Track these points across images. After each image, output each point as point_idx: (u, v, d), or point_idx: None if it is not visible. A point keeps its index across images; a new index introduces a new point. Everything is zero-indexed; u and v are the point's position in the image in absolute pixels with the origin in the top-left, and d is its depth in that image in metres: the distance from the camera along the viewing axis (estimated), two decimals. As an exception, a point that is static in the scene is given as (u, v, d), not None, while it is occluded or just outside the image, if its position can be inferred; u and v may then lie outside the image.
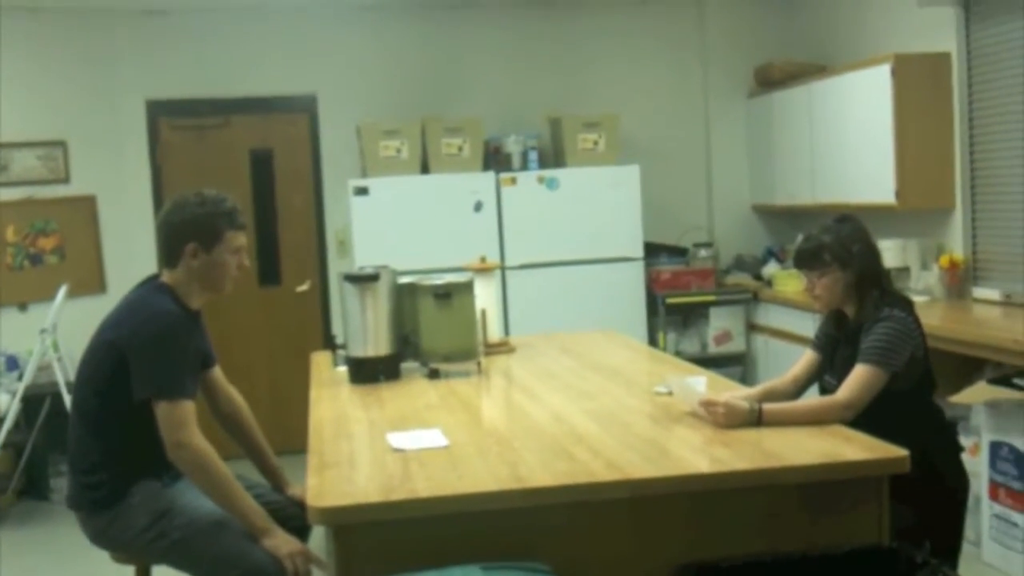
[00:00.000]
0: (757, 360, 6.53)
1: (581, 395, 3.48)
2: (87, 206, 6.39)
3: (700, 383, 3.11)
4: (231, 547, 2.84)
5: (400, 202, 6.10)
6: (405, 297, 3.92)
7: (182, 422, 2.82)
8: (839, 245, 3.12)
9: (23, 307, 6.16)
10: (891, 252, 5.27)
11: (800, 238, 3.29)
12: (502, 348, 4.41)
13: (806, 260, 3.18)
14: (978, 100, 5.24)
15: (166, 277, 3.05)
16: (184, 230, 3.01)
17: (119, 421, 2.92)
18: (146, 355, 2.86)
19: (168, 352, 2.87)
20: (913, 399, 3.07)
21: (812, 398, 3.15)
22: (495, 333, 4.42)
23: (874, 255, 3.17)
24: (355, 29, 6.67)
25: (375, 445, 2.92)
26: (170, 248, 3.03)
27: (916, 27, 5.49)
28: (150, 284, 3.06)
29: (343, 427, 3.19)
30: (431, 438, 2.92)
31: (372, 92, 6.66)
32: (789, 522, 2.55)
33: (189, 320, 3.02)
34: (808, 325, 5.43)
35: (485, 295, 4.24)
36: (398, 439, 2.91)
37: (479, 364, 3.97)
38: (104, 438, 2.94)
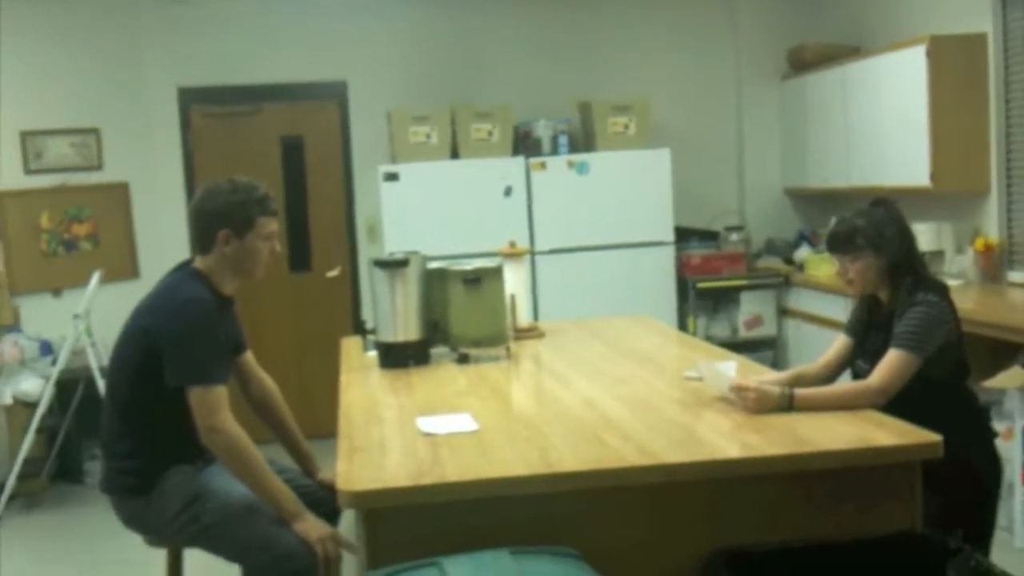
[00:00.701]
0: (788, 345, 6.48)
1: (611, 380, 3.47)
2: (120, 193, 6.44)
3: (730, 368, 3.09)
4: (262, 531, 2.86)
5: (430, 188, 6.10)
6: (435, 282, 3.92)
7: (215, 407, 2.84)
8: (873, 229, 3.08)
9: (57, 293, 6.22)
10: (925, 235, 5.21)
11: (833, 222, 3.25)
12: (531, 333, 4.40)
13: (839, 244, 3.14)
14: (1014, 82, 5.16)
15: (199, 263, 3.07)
16: (216, 217, 3.02)
17: (151, 407, 2.94)
18: (178, 342, 2.88)
19: (200, 339, 2.89)
20: (946, 385, 3.03)
21: (844, 383, 3.12)
22: (524, 318, 4.42)
23: (908, 240, 3.12)
24: (385, 15, 6.67)
25: (405, 430, 2.92)
26: (203, 235, 3.05)
27: (951, 8, 5.42)
28: (183, 270, 3.08)
29: (373, 412, 3.20)
30: (461, 423, 2.92)
31: (402, 78, 6.66)
32: (820, 508, 2.53)
33: (221, 306, 3.04)
34: (840, 310, 5.39)
35: (515, 280, 4.24)
36: (428, 424, 2.92)
37: (508, 349, 3.97)
38: (137, 424, 2.97)
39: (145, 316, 2.98)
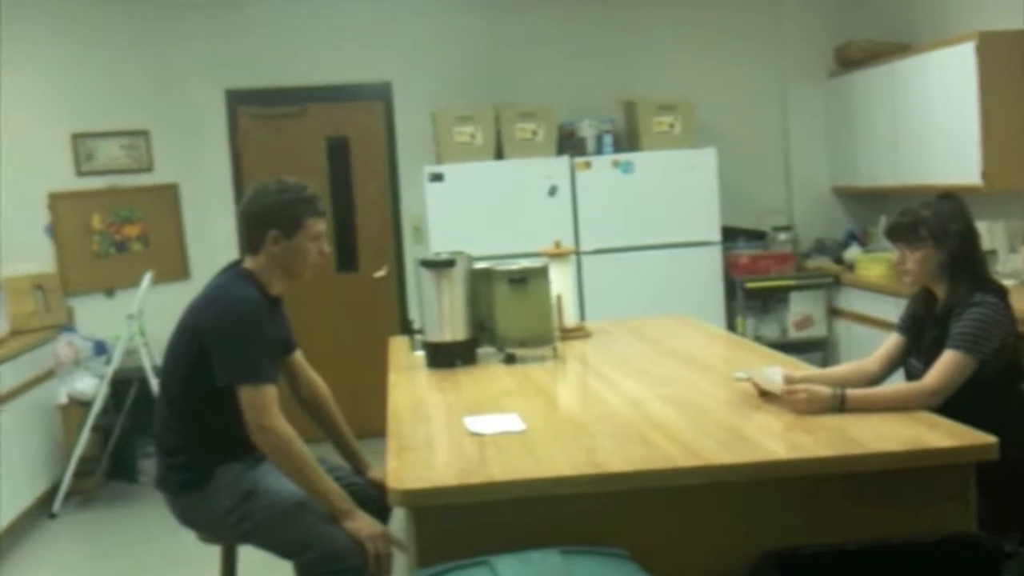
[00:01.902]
0: (839, 345, 6.42)
1: (658, 381, 3.46)
2: (170, 194, 6.53)
3: (776, 373, 3.05)
4: (312, 529, 2.89)
5: (475, 188, 6.12)
6: (481, 282, 3.93)
7: (264, 406, 2.87)
8: (937, 222, 3.04)
9: (110, 293, 6.32)
10: (977, 234, 5.14)
11: (897, 212, 3.20)
12: (578, 333, 4.40)
13: (901, 233, 3.11)
14: (1069, 77, 5.08)
15: (248, 263, 3.10)
16: (265, 218, 3.05)
17: (203, 406, 2.98)
18: (228, 342, 2.91)
19: (249, 338, 2.92)
20: (999, 387, 2.99)
21: (897, 384, 3.09)
22: (570, 318, 4.42)
23: (972, 237, 3.08)
24: (429, 16, 6.69)
25: (453, 429, 2.93)
26: (252, 235, 3.08)
27: (1000, 3, 5.33)
28: (232, 271, 3.12)
29: (421, 411, 3.22)
30: (508, 423, 2.93)
31: (446, 79, 6.68)
32: (871, 510, 2.51)
33: (270, 306, 3.07)
34: (892, 310, 5.33)
35: (560, 280, 4.24)
36: (475, 423, 2.93)
37: (555, 349, 3.97)
38: (189, 422, 3.01)
39: (195, 316, 3.02)
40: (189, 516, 3.07)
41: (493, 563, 2.16)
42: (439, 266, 3.88)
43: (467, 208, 6.08)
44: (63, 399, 5.77)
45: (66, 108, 6.23)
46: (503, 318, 3.88)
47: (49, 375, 5.71)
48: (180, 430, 3.03)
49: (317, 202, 3.12)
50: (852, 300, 6.21)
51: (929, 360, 2.94)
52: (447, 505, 2.42)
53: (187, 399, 3.01)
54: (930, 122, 5.60)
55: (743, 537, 2.48)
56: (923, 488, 2.51)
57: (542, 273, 3.94)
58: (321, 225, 3.13)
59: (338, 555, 2.84)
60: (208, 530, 3.10)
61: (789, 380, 2.92)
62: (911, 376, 3.11)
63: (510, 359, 3.89)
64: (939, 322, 3.04)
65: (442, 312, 3.86)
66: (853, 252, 6.48)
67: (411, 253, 6.64)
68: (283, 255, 3.07)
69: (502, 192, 6.13)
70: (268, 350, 2.99)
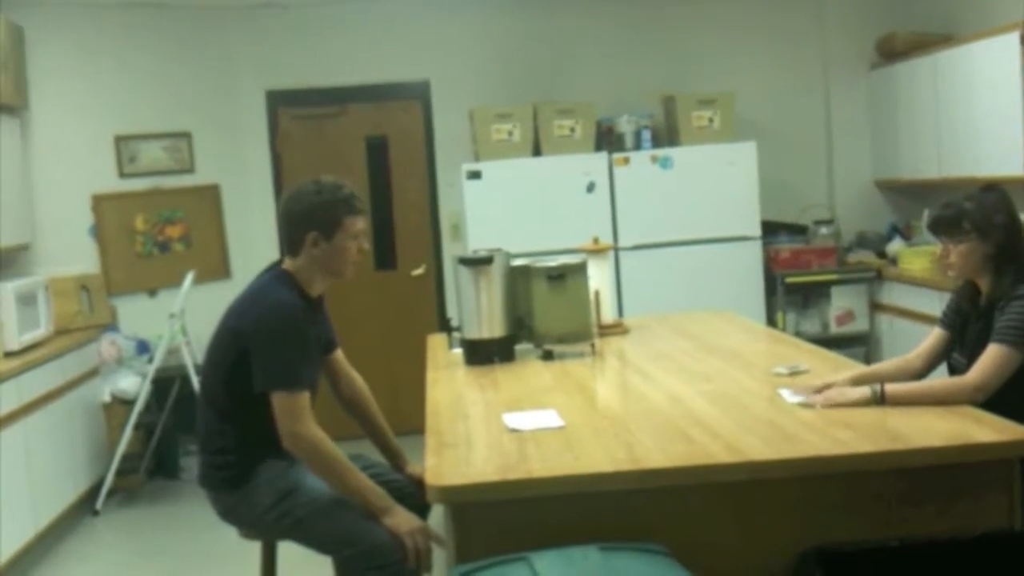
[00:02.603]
0: (882, 340, 6.34)
1: (697, 377, 3.43)
2: (211, 195, 6.59)
3: (794, 395, 3.01)
4: (353, 525, 2.90)
5: (513, 185, 6.11)
6: (519, 279, 3.93)
7: (298, 413, 2.88)
8: (981, 214, 2.99)
9: (152, 293, 6.39)
10: (1022, 227, 5.05)
11: (940, 205, 3.16)
12: (616, 330, 4.38)
13: (944, 226, 3.06)
14: (1117, 65, 4.98)
15: (288, 264, 3.11)
16: (304, 220, 3.06)
17: (245, 406, 2.99)
18: (265, 347, 2.92)
19: (286, 344, 2.93)
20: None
21: (940, 379, 3.04)
22: (609, 314, 4.40)
23: (1016, 229, 3.02)
24: (466, 15, 6.70)
25: (491, 426, 2.93)
26: (292, 237, 3.09)
27: (1048, -9, 5.24)
28: (272, 273, 3.13)
29: (460, 408, 3.23)
30: (547, 419, 2.92)
31: (483, 77, 6.68)
32: (913, 506, 2.47)
33: (309, 309, 3.08)
34: (935, 304, 5.26)
35: (598, 276, 4.23)
36: (514, 420, 2.93)
37: (593, 346, 3.96)
38: (231, 422, 3.03)
39: (235, 319, 3.04)
40: (231, 513, 3.09)
41: (532, 560, 2.16)
42: (477, 263, 3.88)
43: (505, 205, 6.08)
44: (106, 398, 5.84)
45: (109, 111, 6.30)
46: (541, 315, 3.88)
47: (93, 374, 5.78)
48: (222, 430, 3.05)
49: (354, 200, 3.12)
50: (895, 294, 6.14)
51: (973, 355, 2.90)
52: (486, 501, 2.42)
53: (229, 400, 3.03)
54: (974, 113, 5.52)
55: (785, 534, 2.46)
56: (967, 484, 2.47)
57: (580, 269, 3.93)
58: (360, 223, 3.12)
59: (378, 551, 2.85)
60: (249, 527, 3.12)
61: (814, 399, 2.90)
62: (954, 371, 3.07)
63: (548, 356, 3.88)
64: (983, 316, 2.99)
65: (480, 309, 3.86)
66: (896, 246, 6.40)
67: (449, 251, 6.65)
68: (323, 256, 3.07)
69: (540, 189, 6.12)
70: (306, 355, 3.00)
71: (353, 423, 3.43)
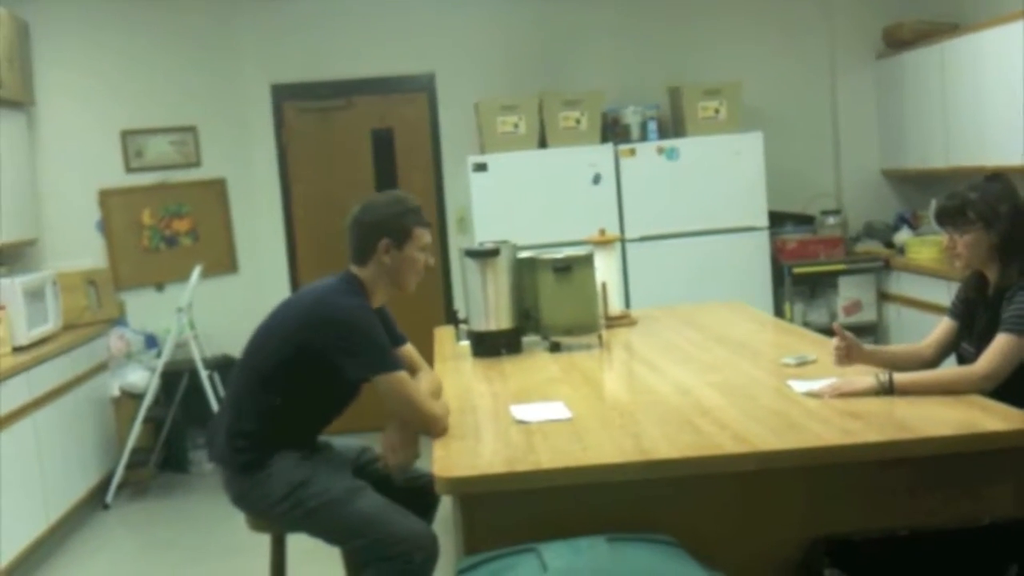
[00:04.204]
0: (890, 330, 6.33)
1: (705, 367, 3.43)
2: (217, 189, 6.59)
3: (806, 385, 3.01)
4: (363, 516, 2.92)
5: (519, 177, 6.11)
6: (525, 271, 3.93)
7: (408, 394, 2.91)
8: (985, 204, 2.99)
9: (160, 287, 6.40)
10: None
11: (945, 196, 3.16)
12: (623, 321, 4.38)
13: (949, 217, 3.06)
14: (1126, 53, 4.95)
15: (355, 272, 3.14)
16: (377, 228, 3.11)
17: (279, 404, 3.02)
18: (350, 342, 2.93)
19: (370, 333, 2.96)
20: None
21: (948, 368, 3.04)
22: (616, 306, 4.40)
23: (1022, 218, 3.02)
24: (471, 7, 6.69)
25: (499, 417, 2.94)
26: (363, 246, 3.12)
27: (1056, -21, 5.21)
28: (341, 276, 3.15)
29: (467, 400, 3.23)
30: (554, 411, 2.92)
31: (489, 69, 6.67)
32: (921, 495, 2.48)
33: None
34: (944, 294, 5.24)
35: (605, 268, 4.23)
36: (522, 411, 2.93)
37: (600, 337, 3.96)
38: (260, 418, 3.04)
39: (307, 332, 2.99)
40: (243, 499, 3.10)
41: (540, 550, 2.16)
42: (484, 256, 3.88)
43: (511, 197, 6.07)
44: (115, 392, 5.86)
45: (115, 106, 6.31)
46: (548, 307, 3.88)
47: (102, 368, 5.80)
48: (251, 416, 3.05)
49: (421, 212, 3.19)
50: (903, 284, 6.13)
51: (981, 344, 2.90)
52: (494, 493, 2.43)
53: (264, 398, 3.04)
54: (981, 103, 5.50)
55: (793, 524, 2.46)
56: (975, 472, 2.48)
57: (587, 261, 3.93)
58: (428, 236, 3.19)
59: (388, 541, 2.87)
60: (260, 515, 3.12)
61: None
62: (963, 361, 3.06)
63: (555, 347, 3.89)
64: (991, 305, 2.99)
65: (487, 301, 3.86)
66: (903, 235, 6.39)
67: (456, 243, 6.65)
68: (393, 265, 3.12)
69: (546, 181, 6.11)
70: (386, 342, 3.03)
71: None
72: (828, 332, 4.34)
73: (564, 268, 3.86)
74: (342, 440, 3.32)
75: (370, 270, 3.12)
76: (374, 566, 2.90)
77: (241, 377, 3.15)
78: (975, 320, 3.07)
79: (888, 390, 2.79)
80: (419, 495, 3.07)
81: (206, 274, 5.96)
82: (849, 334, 3.07)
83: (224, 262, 6.51)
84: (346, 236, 3.18)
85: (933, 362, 3.17)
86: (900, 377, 2.83)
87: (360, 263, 3.14)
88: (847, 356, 3.07)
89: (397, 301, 3.32)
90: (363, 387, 3.07)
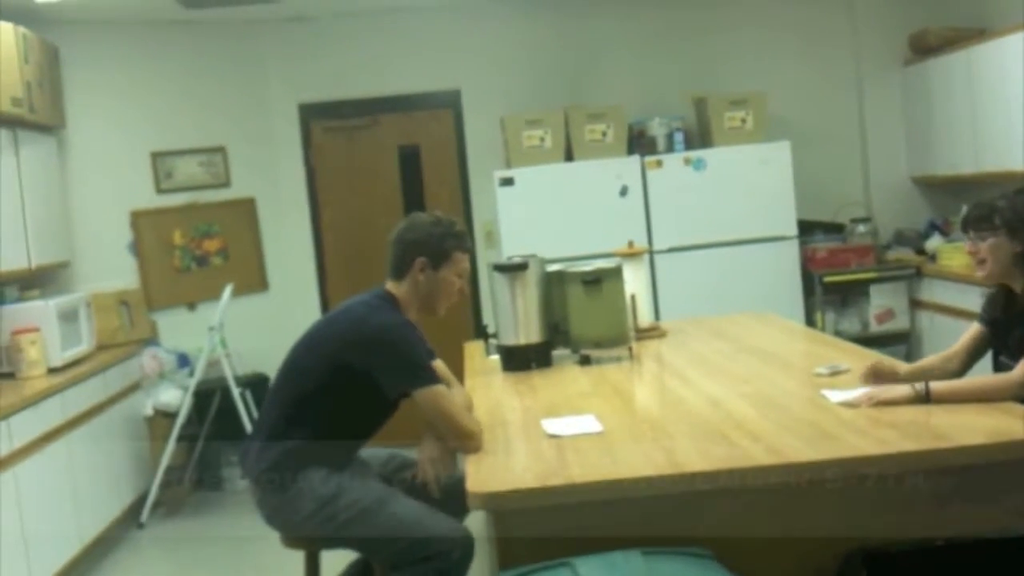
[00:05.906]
0: (923, 338, 6.28)
1: (736, 379, 3.42)
2: (247, 208, 6.64)
3: (845, 394, 2.99)
4: (396, 523, 2.95)
5: (545, 191, 6.11)
6: (554, 285, 3.93)
7: (447, 409, 2.94)
8: (1012, 211, 2.98)
9: (192, 307, 6.44)
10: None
11: (973, 203, 3.15)
12: (653, 333, 4.37)
13: (974, 221, 3.05)
14: None
15: (390, 288, 3.18)
16: (416, 245, 3.16)
17: (318, 423, 3.05)
18: (389, 357, 2.98)
19: (410, 348, 3.01)
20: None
21: (985, 375, 3.01)
22: (645, 318, 4.39)
23: None
24: (495, 23, 6.72)
25: (530, 432, 2.93)
26: (401, 262, 3.18)
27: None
28: (375, 293, 3.18)
29: (498, 414, 3.23)
30: (585, 424, 2.92)
31: (514, 84, 6.69)
32: (958, 505, 2.44)
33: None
34: (976, 300, 5.18)
35: (634, 280, 4.22)
36: (553, 425, 2.93)
37: (630, 350, 3.95)
38: (297, 436, 3.06)
39: (348, 352, 3.03)
40: (275, 516, 3.12)
41: (575, 565, 2.15)
42: (512, 270, 3.89)
43: (538, 211, 6.08)
44: (149, 411, 5.90)
45: (145, 128, 6.37)
46: (577, 320, 3.88)
47: (135, 388, 5.84)
48: (288, 434, 3.07)
49: (466, 238, 3.25)
50: (935, 291, 6.07)
51: (1020, 355, 2.86)
52: (527, 508, 2.42)
53: (305, 410, 3.06)
54: (1010, 107, 5.44)
55: (829, 535, 2.44)
56: (1012, 481, 2.44)
57: (616, 273, 3.92)
58: (466, 262, 3.24)
59: (423, 544, 2.90)
60: (292, 531, 3.13)
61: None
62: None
63: (585, 360, 3.88)
64: (1022, 318, 2.97)
65: (516, 315, 3.87)
66: (935, 242, 6.33)
67: (484, 258, 6.66)
68: (427, 284, 3.16)
69: (573, 194, 6.11)
70: (426, 356, 3.07)
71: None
72: (861, 341, 4.30)
73: (593, 281, 3.85)
74: (368, 450, 3.33)
75: (405, 287, 3.17)
76: (410, 569, 2.91)
77: (278, 396, 3.17)
78: (1010, 335, 3.04)
79: (925, 399, 2.76)
80: (450, 496, 3.07)
81: (237, 293, 5.99)
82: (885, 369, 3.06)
83: (254, 281, 6.55)
84: (388, 251, 3.21)
85: (960, 371, 3.14)
86: (936, 385, 2.80)
87: (396, 279, 3.18)
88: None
89: (425, 316, 3.32)
90: (401, 403, 3.08)
